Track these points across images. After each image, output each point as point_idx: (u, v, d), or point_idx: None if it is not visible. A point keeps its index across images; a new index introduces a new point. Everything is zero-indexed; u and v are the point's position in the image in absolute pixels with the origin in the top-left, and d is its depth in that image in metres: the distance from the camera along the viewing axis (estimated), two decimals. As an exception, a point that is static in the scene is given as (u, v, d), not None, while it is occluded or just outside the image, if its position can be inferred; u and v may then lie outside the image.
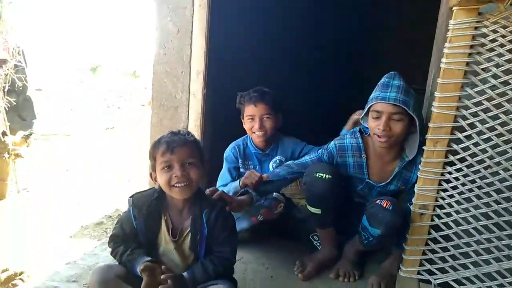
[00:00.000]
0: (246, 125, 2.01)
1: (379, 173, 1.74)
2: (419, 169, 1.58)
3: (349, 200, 1.89)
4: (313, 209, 1.75)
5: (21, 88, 4.70)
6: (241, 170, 2.05)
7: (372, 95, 1.60)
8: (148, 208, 1.36)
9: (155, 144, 1.37)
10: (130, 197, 1.40)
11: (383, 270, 1.76)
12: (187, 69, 2.16)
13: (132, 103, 8.97)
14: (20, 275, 2.15)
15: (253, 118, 1.96)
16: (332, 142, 1.80)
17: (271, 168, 2.02)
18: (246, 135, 2.09)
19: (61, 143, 5.60)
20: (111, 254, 1.38)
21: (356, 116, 1.92)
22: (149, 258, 1.29)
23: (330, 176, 1.66)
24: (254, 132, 1.98)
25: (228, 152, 2.09)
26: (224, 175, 2.05)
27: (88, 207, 3.41)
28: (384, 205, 1.55)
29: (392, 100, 1.51)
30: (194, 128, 2.21)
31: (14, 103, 4.18)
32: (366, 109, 1.63)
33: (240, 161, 2.06)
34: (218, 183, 2.03)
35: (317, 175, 1.67)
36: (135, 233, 1.37)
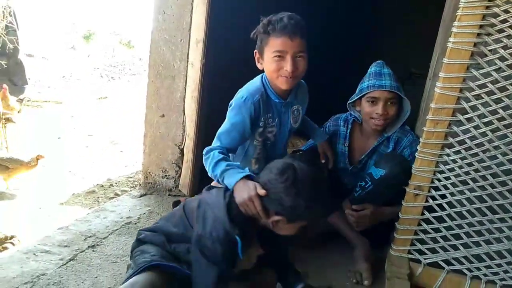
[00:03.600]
0: (271, 65, 1.46)
1: (359, 156, 1.88)
2: (393, 144, 1.80)
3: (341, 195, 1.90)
4: None
5: (12, 51, 4.56)
6: (260, 129, 1.57)
7: (365, 84, 1.76)
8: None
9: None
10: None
11: (376, 208, 1.72)
12: (186, 37, 2.09)
13: (126, 73, 8.80)
14: (10, 238, 2.14)
15: (283, 56, 1.43)
16: (326, 129, 1.96)
17: (291, 121, 1.64)
18: (257, 81, 1.57)
19: (53, 110, 5.50)
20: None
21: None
22: None
23: (300, 152, 1.85)
24: (281, 76, 1.47)
25: (249, 103, 1.49)
26: (233, 137, 1.48)
27: (80, 175, 3.39)
28: (395, 152, 1.73)
29: (388, 87, 1.70)
30: (191, 99, 2.16)
31: (5, 66, 4.06)
32: (357, 97, 1.79)
33: (264, 117, 1.56)
34: (222, 142, 1.46)
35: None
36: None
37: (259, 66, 1.54)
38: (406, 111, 1.77)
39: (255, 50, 1.53)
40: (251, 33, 1.51)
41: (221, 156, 1.36)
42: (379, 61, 1.79)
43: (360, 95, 1.77)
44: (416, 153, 1.57)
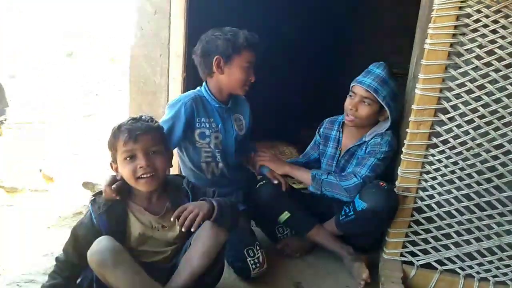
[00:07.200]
0: (241, 75, 1.63)
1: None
2: (367, 148, 1.73)
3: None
4: (282, 217, 1.71)
5: (-9, 74, 4.48)
6: (199, 130, 1.67)
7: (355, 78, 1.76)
8: (107, 203, 1.27)
9: (114, 132, 1.26)
10: (92, 196, 1.32)
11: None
12: (166, 51, 2.08)
13: (110, 89, 8.73)
14: (-5, 268, 2.07)
15: (250, 67, 1.64)
16: (321, 129, 1.94)
17: (236, 128, 1.77)
18: (197, 89, 1.75)
19: (37, 131, 5.41)
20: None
21: None
22: None
23: (263, 181, 1.75)
24: (245, 85, 1.67)
25: (180, 103, 1.62)
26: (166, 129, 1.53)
27: (66, 196, 3.32)
28: (381, 184, 1.59)
29: (366, 86, 1.68)
30: (175, 113, 2.14)
31: (-16, 90, 3.99)
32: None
33: (200, 119, 1.67)
34: None
35: (257, 187, 1.75)
36: (93, 234, 1.24)
37: (218, 71, 1.64)
38: (390, 120, 1.71)
39: (217, 56, 1.62)
40: (225, 48, 1.61)
41: None
42: (380, 62, 1.75)
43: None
44: (402, 155, 1.57)
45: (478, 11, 1.38)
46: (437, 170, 1.54)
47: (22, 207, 3.03)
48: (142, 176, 1.23)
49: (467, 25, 1.41)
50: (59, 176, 3.48)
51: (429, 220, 1.59)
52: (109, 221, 1.26)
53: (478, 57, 1.42)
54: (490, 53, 1.41)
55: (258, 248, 1.57)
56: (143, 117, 1.30)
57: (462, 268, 1.59)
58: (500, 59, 1.40)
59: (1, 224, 2.82)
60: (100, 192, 1.32)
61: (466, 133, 1.48)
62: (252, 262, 1.53)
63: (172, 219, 1.22)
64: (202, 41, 1.68)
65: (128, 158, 1.23)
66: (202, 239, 1.23)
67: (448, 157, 1.52)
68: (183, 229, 1.21)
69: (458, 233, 1.56)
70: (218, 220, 1.24)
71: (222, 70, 1.64)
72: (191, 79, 2.15)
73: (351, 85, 1.75)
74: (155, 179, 1.26)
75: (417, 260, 1.63)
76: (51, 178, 3.44)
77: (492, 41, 1.40)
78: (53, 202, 3.15)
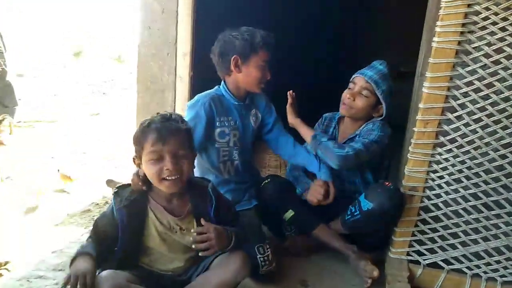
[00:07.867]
0: (257, 73, 1.66)
1: None
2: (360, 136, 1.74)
3: None
4: (287, 215, 1.73)
5: (0, 74, 4.53)
6: (219, 129, 1.70)
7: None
8: (129, 197, 1.26)
9: (143, 129, 1.21)
10: (115, 188, 1.32)
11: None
12: (173, 50, 2.09)
13: (117, 88, 8.78)
14: (5, 265, 2.10)
15: (266, 65, 1.67)
16: (323, 122, 1.95)
17: (252, 123, 1.81)
18: (215, 88, 1.76)
19: (46, 129, 5.46)
20: None
21: None
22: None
23: (268, 179, 1.76)
24: (262, 82, 1.70)
25: (199, 104, 1.64)
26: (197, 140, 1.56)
27: (75, 194, 3.34)
28: (386, 184, 1.60)
29: (367, 77, 1.72)
30: (182, 112, 2.15)
31: (-6, 89, 4.04)
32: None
33: (220, 118, 1.69)
34: None
35: (261, 186, 1.76)
36: (112, 226, 1.26)
37: (236, 70, 1.67)
38: (384, 115, 1.76)
39: (235, 55, 1.64)
40: (241, 48, 1.64)
41: None
42: (382, 60, 1.80)
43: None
44: (408, 154, 1.57)
45: (487, 9, 1.37)
46: (444, 169, 1.53)
47: (42, 207, 3.07)
48: (167, 178, 1.21)
49: (475, 23, 1.40)
50: (75, 175, 3.51)
51: (436, 219, 1.58)
52: (128, 216, 1.25)
53: (487, 55, 1.41)
54: (499, 51, 1.40)
55: (268, 246, 1.58)
56: (173, 116, 1.26)
57: (469, 268, 1.58)
58: (509, 57, 1.39)
59: (14, 223, 2.85)
60: (124, 185, 1.31)
61: (474, 131, 1.47)
62: (262, 259, 1.53)
63: (191, 238, 1.21)
64: (220, 41, 1.70)
65: (154, 159, 1.20)
66: (224, 269, 1.24)
67: (455, 156, 1.51)
68: (193, 247, 1.22)
69: (465, 233, 1.56)
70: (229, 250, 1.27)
71: (240, 69, 1.67)
72: (198, 78, 2.16)
73: (352, 77, 1.78)
74: (179, 182, 1.24)
75: (424, 259, 1.62)
76: (69, 177, 3.46)
77: (501, 39, 1.39)
78: (67, 201, 3.18)
